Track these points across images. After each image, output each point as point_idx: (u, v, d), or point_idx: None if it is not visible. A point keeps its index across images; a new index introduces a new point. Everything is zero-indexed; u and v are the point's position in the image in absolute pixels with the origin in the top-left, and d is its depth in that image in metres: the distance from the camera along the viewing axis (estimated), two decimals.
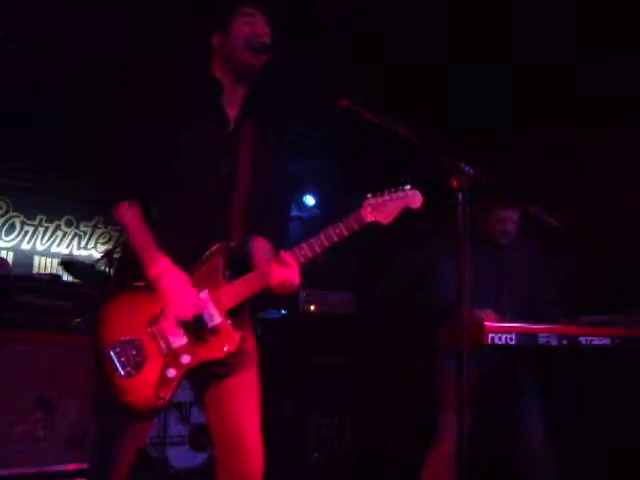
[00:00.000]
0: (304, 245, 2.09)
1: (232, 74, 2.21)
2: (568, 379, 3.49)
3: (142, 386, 1.98)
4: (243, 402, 2.13)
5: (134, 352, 2.00)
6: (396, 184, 2.17)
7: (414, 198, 2.16)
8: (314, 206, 7.17)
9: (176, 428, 4.39)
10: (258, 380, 2.19)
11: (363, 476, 5.09)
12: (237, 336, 2.05)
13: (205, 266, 2.08)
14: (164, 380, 1.99)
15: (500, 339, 2.64)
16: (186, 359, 2.01)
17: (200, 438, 4.46)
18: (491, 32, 4.27)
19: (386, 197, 2.15)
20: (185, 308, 2.00)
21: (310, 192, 7.13)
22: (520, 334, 2.69)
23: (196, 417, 4.45)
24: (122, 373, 1.98)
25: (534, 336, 2.73)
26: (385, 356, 5.63)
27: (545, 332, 2.75)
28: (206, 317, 2.04)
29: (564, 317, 3.13)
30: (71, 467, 3.69)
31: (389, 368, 5.55)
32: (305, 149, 5.63)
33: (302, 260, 2.09)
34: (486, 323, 2.64)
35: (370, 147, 5.12)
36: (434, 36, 4.38)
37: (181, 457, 4.36)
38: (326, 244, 2.09)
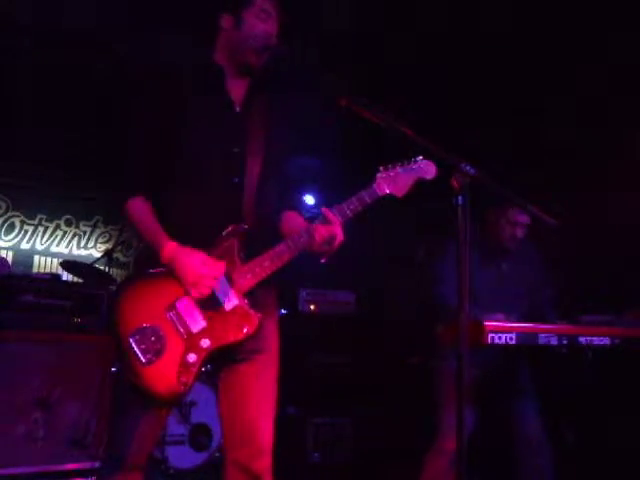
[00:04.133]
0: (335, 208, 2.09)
1: (235, 64, 2.21)
2: (568, 379, 3.49)
3: (164, 372, 1.97)
4: (260, 396, 2.13)
5: (153, 339, 1.99)
6: (408, 156, 2.13)
7: (427, 169, 2.14)
8: (314, 206, 7.17)
9: (176, 428, 4.39)
10: (277, 373, 2.18)
11: (363, 476, 5.09)
12: (256, 317, 2.05)
13: (220, 249, 2.07)
14: (185, 365, 1.98)
15: (500, 339, 2.64)
16: (206, 343, 2.01)
17: (200, 438, 4.46)
18: (490, 30, 4.27)
19: (398, 169, 2.13)
20: (204, 282, 1.99)
21: (310, 192, 7.13)
22: (520, 334, 2.69)
23: (196, 417, 4.45)
24: (143, 360, 1.97)
25: (534, 336, 2.73)
26: (385, 355, 5.63)
27: (545, 332, 2.75)
28: (223, 300, 2.04)
29: (558, 318, 3.14)
30: (71, 467, 3.69)
31: (389, 368, 5.55)
32: (305, 149, 5.62)
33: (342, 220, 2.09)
34: (486, 323, 2.64)
35: (370, 147, 5.12)
36: (434, 35, 4.38)
37: (181, 457, 4.36)
38: (341, 220, 2.08)
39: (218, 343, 2.02)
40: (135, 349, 1.97)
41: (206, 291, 2.00)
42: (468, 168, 1.98)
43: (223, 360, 2.13)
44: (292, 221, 2.26)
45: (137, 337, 1.98)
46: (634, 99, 4.18)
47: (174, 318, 2.02)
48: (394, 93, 4.25)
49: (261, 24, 2.14)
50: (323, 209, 2.08)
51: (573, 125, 4.61)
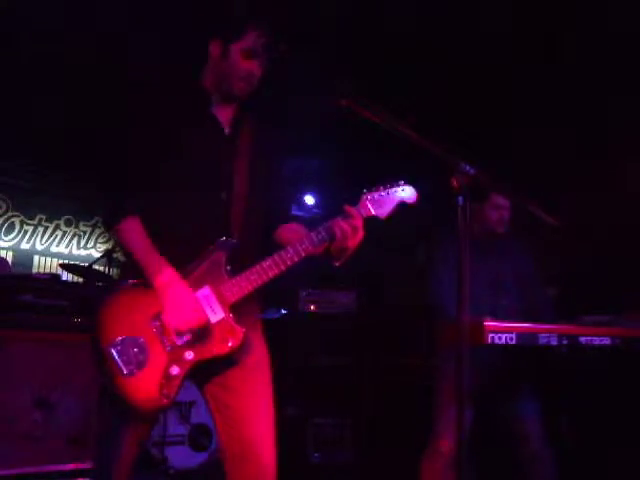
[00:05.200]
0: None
1: (219, 93, 2.22)
2: (568, 379, 3.49)
3: (145, 385, 1.95)
4: (258, 416, 2.10)
5: (136, 350, 1.96)
6: (390, 180, 2.22)
7: (409, 194, 2.21)
8: (314, 206, 7.17)
9: (176, 428, 4.39)
10: (271, 385, 2.16)
11: (363, 476, 5.09)
12: (241, 331, 2.04)
13: (207, 262, 2.08)
14: (168, 378, 1.96)
15: (500, 339, 2.64)
16: (190, 355, 1.99)
17: (200, 438, 4.46)
18: (491, 29, 4.27)
19: (382, 192, 2.18)
20: (185, 322, 1.99)
21: (310, 192, 7.13)
22: (520, 334, 2.68)
23: (196, 417, 4.45)
24: (124, 372, 1.94)
25: (534, 336, 2.72)
26: (385, 356, 5.63)
27: (545, 332, 2.74)
28: (209, 313, 2.03)
29: (555, 315, 3.14)
30: (70, 467, 3.68)
31: (389, 368, 5.55)
32: (305, 149, 5.63)
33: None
34: (486, 323, 2.63)
35: (370, 146, 5.12)
36: (434, 34, 4.38)
37: (181, 457, 4.36)
38: (327, 239, 2.11)
39: (202, 356, 2.01)
40: (116, 360, 1.95)
41: (182, 328, 1.99)
42: (468, 168, 1.98)
43: (209, 375, 2.11)
44: (293, 230, 2.28)
45: (119, 348, 1.96)
46: (635, 99, 4.19)
47: (158, 329, 2.00)
48: (394, 93, 4.25)
49: (245, 62, 2.14)
50: (345, 206, 2.11)
51: (574, 125, 4.61)
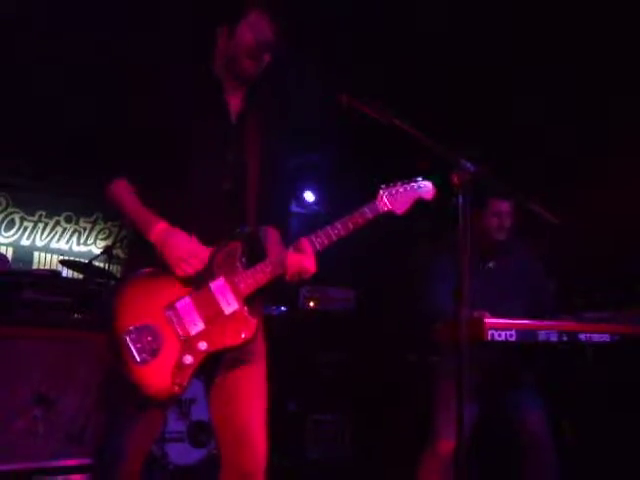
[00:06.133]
0: (320, 233, 2.13)
1: (230, 74, 2.22)
2: (568, 376, 3.49)
3: (158, 373, 1.95)
4: (251, 399, 2.13)
5: (150, 338, 1.97)
6: (408, 176, 2.24)
7: (427, 189, 2.23)
8: (314, 202, 7.18)
9: (175, 424, 4.39)
10: (266, 375, 2.19)
11: (362, 472, 5.09)
12: (253, 323, 2.06)
13: (222, 252, 2.09)
14: (180, 367, 1.97)
15: (500, 335, 2.64)
16: (203, 346, 2.01)
17: (199, 435, 4.46)
18: (491, 29, 4.27)
19: (400, 188, 2.21)
20: (186, 263, 2.01)
21: (310, 188, 7.13)
22: (520, 330, 2.69)
23: (195, 413, 4.46)
24: (137, 359, 1.95)
25: (534, 332, 2.72)
26: (384, 352, 5.64)
27: (545, 328, 2.75)
28: (223, 303, 2.05)
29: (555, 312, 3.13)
30: (70, 463, 3.69)
31: (388, 364, 5.55)
32: (305, 145, 5.62)
33: (318, 248, 2.13)
34: (486, 320, 2.64)
35: (370, 143, 5.11)
36: (435, 34, 4.38)
37: (180, 453, 4.36)
38: (342, 232, 2.13)
39: (215, 347, 2.02)
40: (130, 347, 1.96)
41: (190, 270, 2.01)
42: (468, 165, 1.99)
43: (216, 364, 2.12)
44: (272, 240, 2.28)
45: (133, 336, 1.97)
46: (634, 98, 4.19)
47: (173, 318, 2.01)
48: (395, 90, 4.24)
49: (252, 35, 2.14)
50: (300, 239, 2.12)
51: (573, 123, 4.61)
